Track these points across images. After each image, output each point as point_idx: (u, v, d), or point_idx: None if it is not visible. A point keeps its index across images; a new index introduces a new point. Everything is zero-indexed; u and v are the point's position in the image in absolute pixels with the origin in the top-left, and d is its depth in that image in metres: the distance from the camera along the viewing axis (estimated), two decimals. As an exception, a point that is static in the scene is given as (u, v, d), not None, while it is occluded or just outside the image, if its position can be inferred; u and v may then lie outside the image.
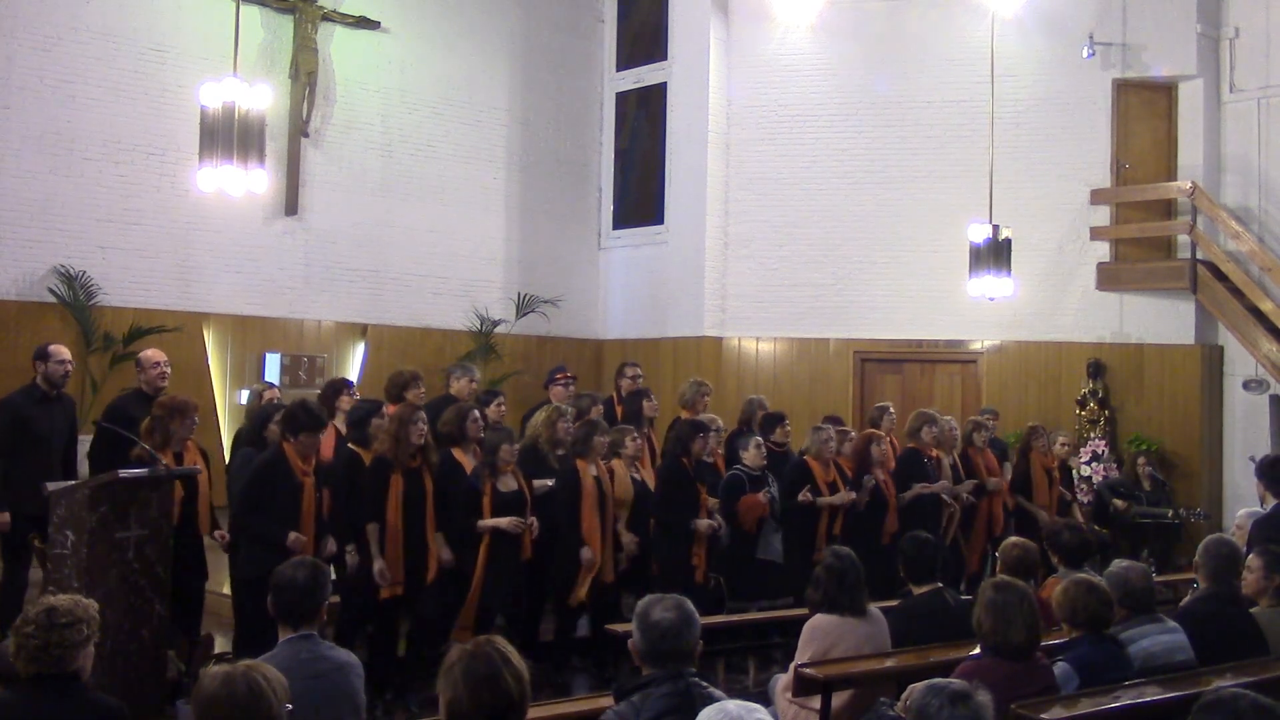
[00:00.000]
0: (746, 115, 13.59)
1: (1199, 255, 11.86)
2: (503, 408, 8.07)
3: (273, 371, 11.98)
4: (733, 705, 2.91)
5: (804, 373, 13.29)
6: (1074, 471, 10.94)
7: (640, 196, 14.65)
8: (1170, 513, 10.82)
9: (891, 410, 9.48)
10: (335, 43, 12.65)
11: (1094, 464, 11.59)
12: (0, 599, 6.59)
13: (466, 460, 6.91)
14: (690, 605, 3.53)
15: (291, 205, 12.29)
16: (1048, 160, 12.52)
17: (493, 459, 6.80)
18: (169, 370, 7.03)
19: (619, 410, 8.86)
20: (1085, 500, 10.92)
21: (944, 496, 8.60)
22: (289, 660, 3.73)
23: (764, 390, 11.40)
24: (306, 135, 12.33)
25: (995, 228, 10.79)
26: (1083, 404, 12.20)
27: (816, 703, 4.87)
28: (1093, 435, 11.93)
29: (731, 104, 13.65)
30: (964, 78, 12.59)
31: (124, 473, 5.66)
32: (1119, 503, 10.75)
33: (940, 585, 5.54)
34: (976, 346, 12.88)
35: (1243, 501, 10.32)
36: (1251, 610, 5.20)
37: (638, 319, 14.30)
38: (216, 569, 7.00)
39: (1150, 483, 11.10)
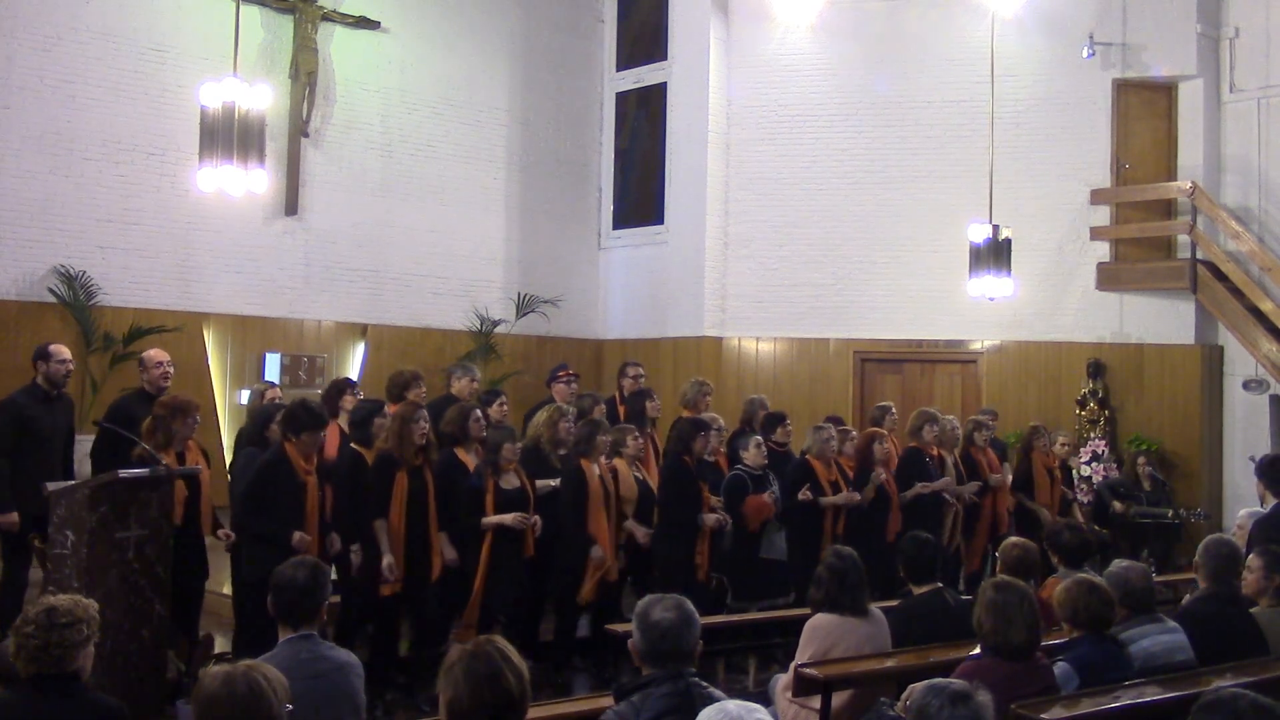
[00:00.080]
0: (746, 115, 13.59)
1: (1199, 255, 11.86)
2: (505, 407, 8.07)
3: (273, 371, 11.98)
4: (733, 705, 2.91)
5: (804, 373, 13.29)
6: (1074, 471, 10.95)
7: (640, 196, 14.65)
8: (1170, 513, 10.82)
9: (893, 410, 9.48)
10: (335, 43, 12.65)
11: (1094, 464, 11.59)
12: (0, 599, 6.60)
13: (469, 460, 6.92)
14: (690, 605, 3.53)
15: (291, 205, 12.29)
16: (1048, 160, 12.52)
17: (495, 458, 6.81)
18: (172, 370, 7.03)
19: (621, 410, 8.85)
20: (1085, 500, 10.93)
21: (946, 495, 8.61)
22: (289, 660, 3.73)
23: (764, 390, 11.39)
24: (306, 135, 12.33)
25: (995, 228, 10.79)
26: (1083, 404, 12.20)
27: (816, 703, 4.86)
28: (1093, 435, 11.93)
29: (731, 104, 13.65)
30: (964, 78, 12.59)
31: (124, 473, 5.66)
32: (1119, 503, 10.76)
33: (940, 585, 5.55)
34: (976, 346, 12.89)
35: (1243, 501, 10.33)
36: (1251, 610, 5.20)
37: (638, 319, 14.30)
38: (217, 569, 7.00)
39: (1150, 483, 11.10)
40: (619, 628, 6.23)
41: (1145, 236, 12.49)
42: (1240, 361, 11.94)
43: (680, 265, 13.76)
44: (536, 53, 14.39)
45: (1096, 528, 10.03)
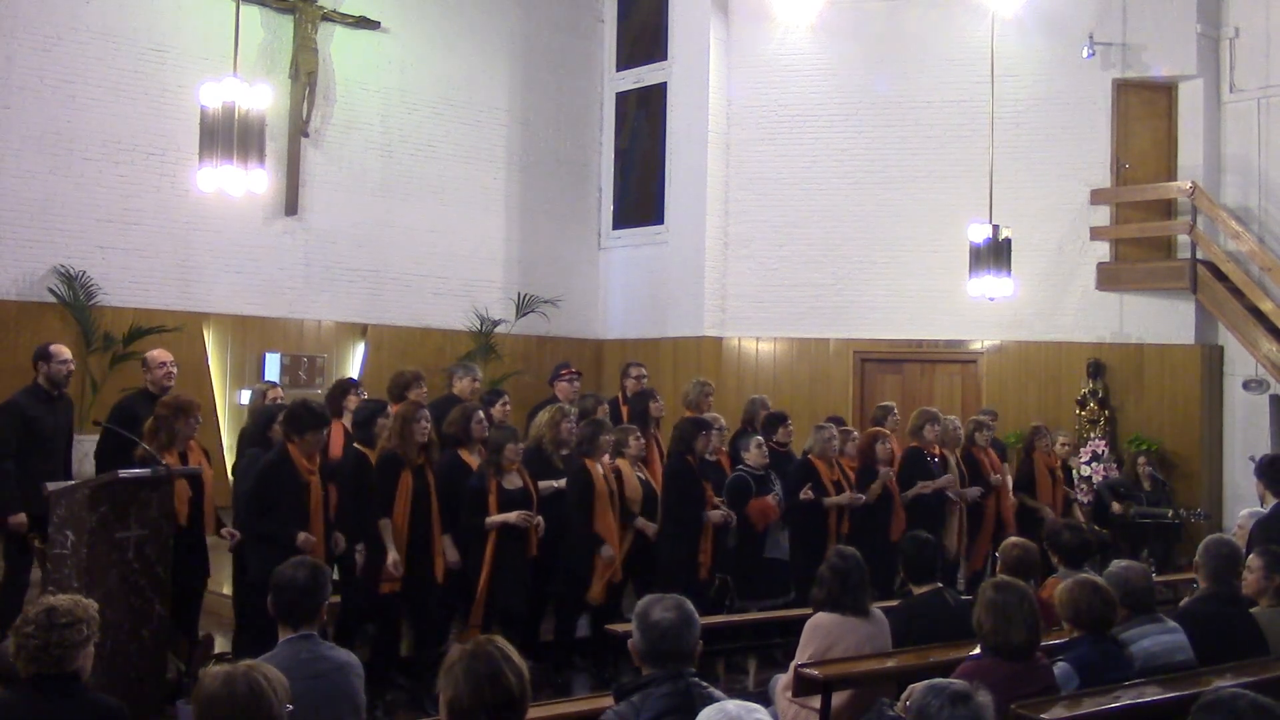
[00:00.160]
0: (746, 115, 13.59)
1: (1199, 255, 11.86)
2: (507, 407, 8.08)
3: (273, 371, 11.98)
4: (732, 705, 2.91)
5: (804, 373, 13.29)
6: (1074, 471, 10.96)
7: (640, 196, 14.65)
8: (1170, 513, 10.82)
9: (895, 410, 9.48)
10: (335, 43, 12.65)
11: (1094, 464, 11.59)
12: (1, 599, 6.60)
13: (473, 460, 6.93)
14: (690, 605, 3.53)
15: (291, 205, 12.29)
16: (1048, 160, 12.52)
17: (497, 458, 6.81)
18: (175, 370, 7.05)
19: (624, 410, 8.86)
20: (1085, 500, 10.93)
21: (950, 494, 8.62)
22: (289, 660, 3.73)
23: (764, 390, 11.39)
24: (306, 135, 12.33)
25: (995, 228, 10.79)
26: (1083, 404, 12.20)
27: (816, 702, 4.87)
28: (1093, 435, 11.93)
29: (731, 104, 13.65)
30: (964, 78, 12.59)
31: (124, 473, 5.66)
32: (1119, 503, 10.76)
33: (940, 585, 5.55)
34: (976, 346, 12.89)
35: (1243, 501, 10.33)
36: (1251, 610, 5.20)
37: (638, 319, 14.30)
38: (218, 569, 7.00)
39: (1150, 483, 11.10)
40: (619, 628, 6.23)
41: (1145, 236, 12.49)
42: (1240, 361, 11.94)
43: (680, 265, 13.76)
44: (536, 53, 14.39)
45: (1096, 528, 10.04)
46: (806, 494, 7.97)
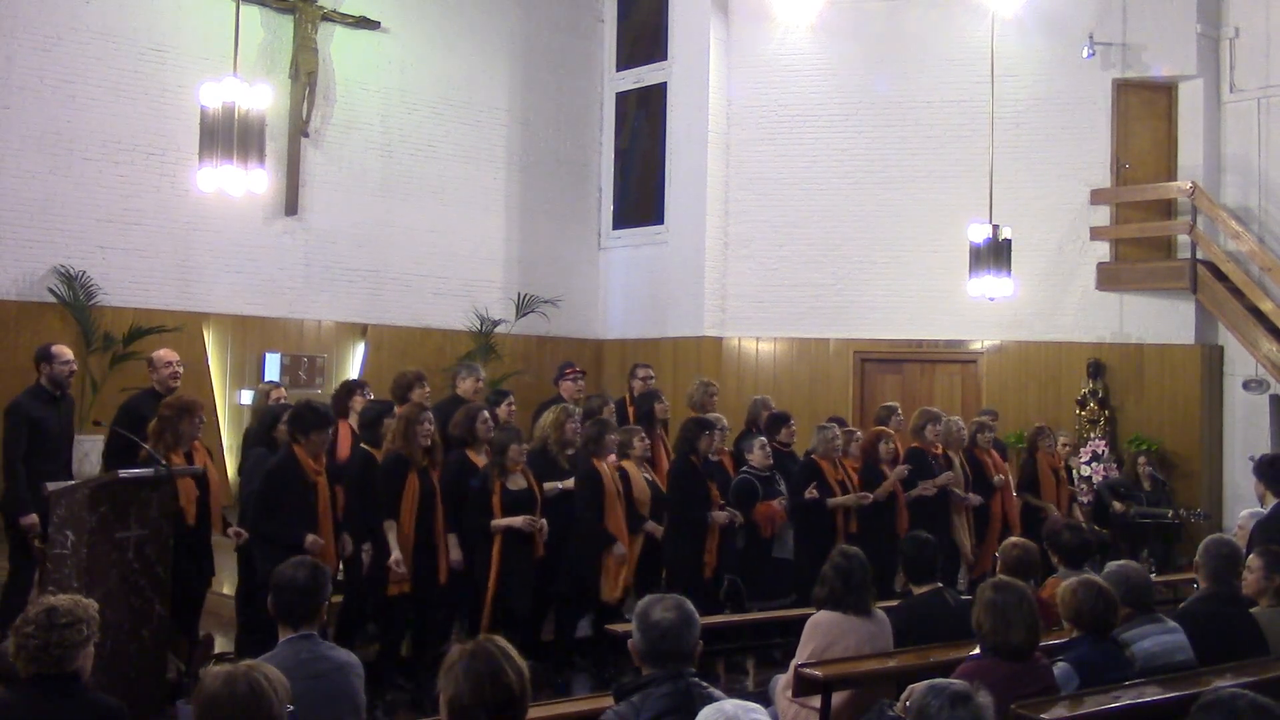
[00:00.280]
0: (746, 115, 13.59)
1: (1199, 255, 11.86)
2: (512, 408, 8.10)
3: (273, 371, 11.98)
4: (730, 705, 2.92)
5: (804, 373, 13.29)
6: (1074, 471, 10.96)
7: (640, 196, 14.65)
8: (1170, 513, 10.82)
9: (899, 410, 9.49)
10: (335, 43, 12.65)
11: (1094, 464, 11.59)
12: (5, 599, 6.60)
13: (480, 461, 6.94)
14: (690, 605, 3.53)
15: (291, 205, 12.29)
16: (1048, 160, 12.52)
17: (501, 459, 6.80)
18: (181, 370, 7.06)
19: (630, 411, 8.89)
20: (1085, 500, 10.93)
21: (954, 491, 8.63)
22: (289, 660, 3.73)
23: (764, 390, 11.38)
24: (306, 135, 12.33)
25: (995, 228, 10.78)
26: (1083, 404, 12.20)
27: (816, 702, 4.87)
28: (1093, 435, 11.93)
29: (731, 104, 13.65)
30: (964, 78, 12.59)
31: (124, 473, 5.67)
32: (1119, 503, 10.76)
33: (940, 585, 5.55)
34: (976, 346, 12.88)
35: (1243, 501, 10.33)
36: (1251, 610, 5.20)
37: (638, 319, 14.30)
38: (220, 569, 6.99)
39: (1150, 483, 11.11)
40: (619, 628, 6.23)
41: (1145, 236, 12.49)
42: (1240, 361, 11.94)
43: (680, 265, 13.76)
44: (536, 53, 14.39)
45: (1096, 528, 10.04)
46: (811, 492, 7.99)
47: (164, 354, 7.08)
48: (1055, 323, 12.53)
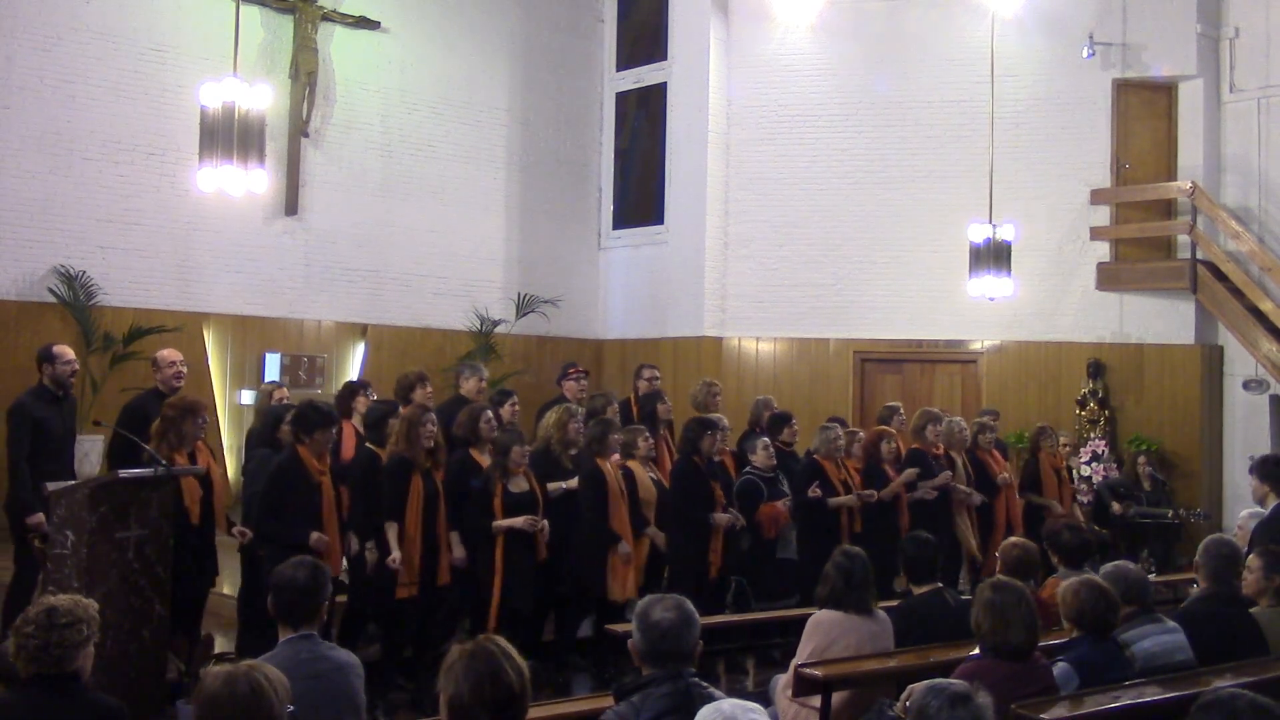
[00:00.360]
0: (746, 115, 13.59)
1: (1199, 255, 11.86)
2: (516, 408, 8.12)
3: (273, 371, 11.97)
4: (728, 705, 2.92)
5: (804, 373, 13.29)
6: (1074, 471, 10.96)
7: (640, 196, 14.65)
8: (1170, 513, 10.83)
9: (901, 410, 9.49)
10: (335, 43, 12.65)
11: (1094, 464, 11.59)
12: (10, 598, 6.61)
13: (484, 460, 6.94)
14: (690, 605, 3.53)
15: (291, 205, 12.29)
16: (1048, 160, 12.52)
17: (503, 461, 6.80)
18: (185, 370, 7.08)
19: (635, 411, 8.91)
20: (1085, 500, 10.93)
21: (958, 488, 8.63)
22: (289, 660, 3.72)
23: (764, 390, 11.39)
24: (306, 135, 12.33)
25: (995, 228, 10.79)
26: (1083, 404, 12.20)
27: (816, 702, 4.87)
28: (1093, 435, 11.93)
29: (731, 104, 13.65)
30: (964, 78, 12.59)
31: (124, 473, 5.67)
32: (1119, 503, 10.76)
33: (940, 585, 5.55)
34: (976, 346, 12.88)
35: (1243, 501, 10.32)
36: (1251, 610, 5.21)
37: (638, 319, 14.30)
38: (222, 569, 6.99)
39: (1150, 483, 11.11)
40: (619, 628, 6.23)
41: (1145, 236, 12.49)
42: (1240, 361, 11.94)
43: (680, 265, 13.76)
44: (536, 53, 14.39)
45: (1096, 528, 10.05)
46: (815, 491, 7.99)
47: (167, 354, 7.10)
48: (1055, 323, 12.53)
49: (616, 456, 7.35)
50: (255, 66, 11.48)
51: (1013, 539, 5.97)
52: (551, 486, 7.09)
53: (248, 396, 11.65)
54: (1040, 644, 4.30)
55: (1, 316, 10.55)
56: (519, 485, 6.85)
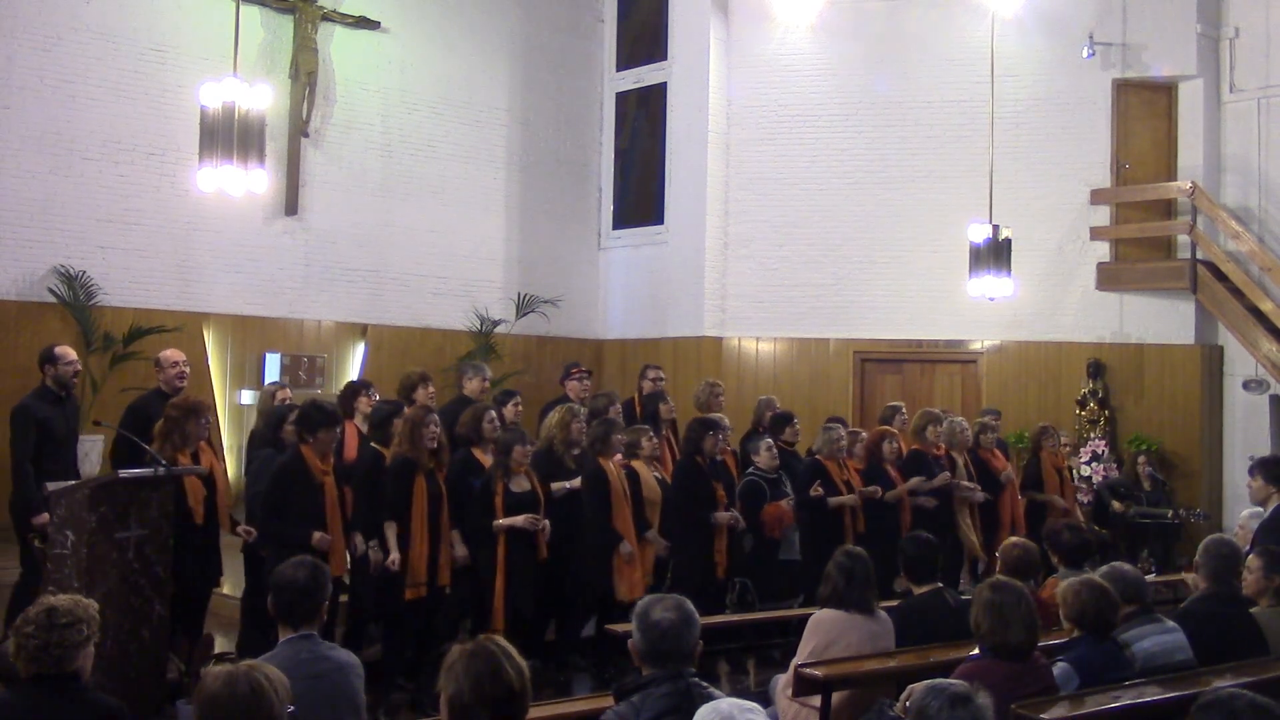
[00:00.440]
0: (746, 115, 13.59)
1: (1199, 255, 11.86)
2: (519, 408, 8.13)
3: (273, 371, 11.97)
4: (726, 704, 2.92)
5: (804, 373, 13.29)
6: (1074, 471, 10.96)
7: (640, 196, 14.65)
8: (1170, 513, 10.83)
9: (904, 410, 9.50)
10: (335, 43, 12.65)
11: (1094, 464, 11.59)
12: (16, 600, 6.61)
13: (486, 460, 6.95)
14: (690, 605, 3.53)
15: (291, 205, 12.28)
16: (1048, 160, 12.52)
17: (505, 460, 6.80)
18: (188, 370, 7.08)
19: (638, 411, 8.92)
20: (1085, 500, 10.93)
21: (957, 485, 8.64)
22: (289, 660, 3.72)
23: (764, 390, 11.39)
24: (306, 135, 12.33)
25: (995, 228, 10.79)
26: (1083, 404, 12.20)
27: (817, 702, 4.87)
28: (1093, 435, 11.92)
29: (731, 104, 13.65)
30: (964, 78, 12.59)
31: (124, 473, 5.67)
32: (1119, 503, 10.76)
33: (940, 585, 5.55)
34: (976, 346, 12.88)
35: (1243, 502, 10.30)
36: (1251, 610, 5.21)
37: (638, 319, 14.30)
38: (229, 570, 6.99)
39: (1150, 483, 11.11)
40: (619, 628, 6.23)
41: (1145, 236, 12.49)
42: (1240, 361, 11.94)
43: (680, 265, 13.76)
44: (536, 53, 14.39)
45: (1096, 528, 10.05)
46: (816, 490, 8.00)
47: (170, 354, 7.10)
48: (1055, 323, 12.53)
49: (619, 456, 7.34)
50: (255, 66, 11.48)
51: (1013, 539, 5.97)
52: (555, 487, 7.09)
53: (248, 396, 11.65)
54: (1040, 644, 4.30)
55: (1, 316, 10.54)
56: (521, 484, 6.85)
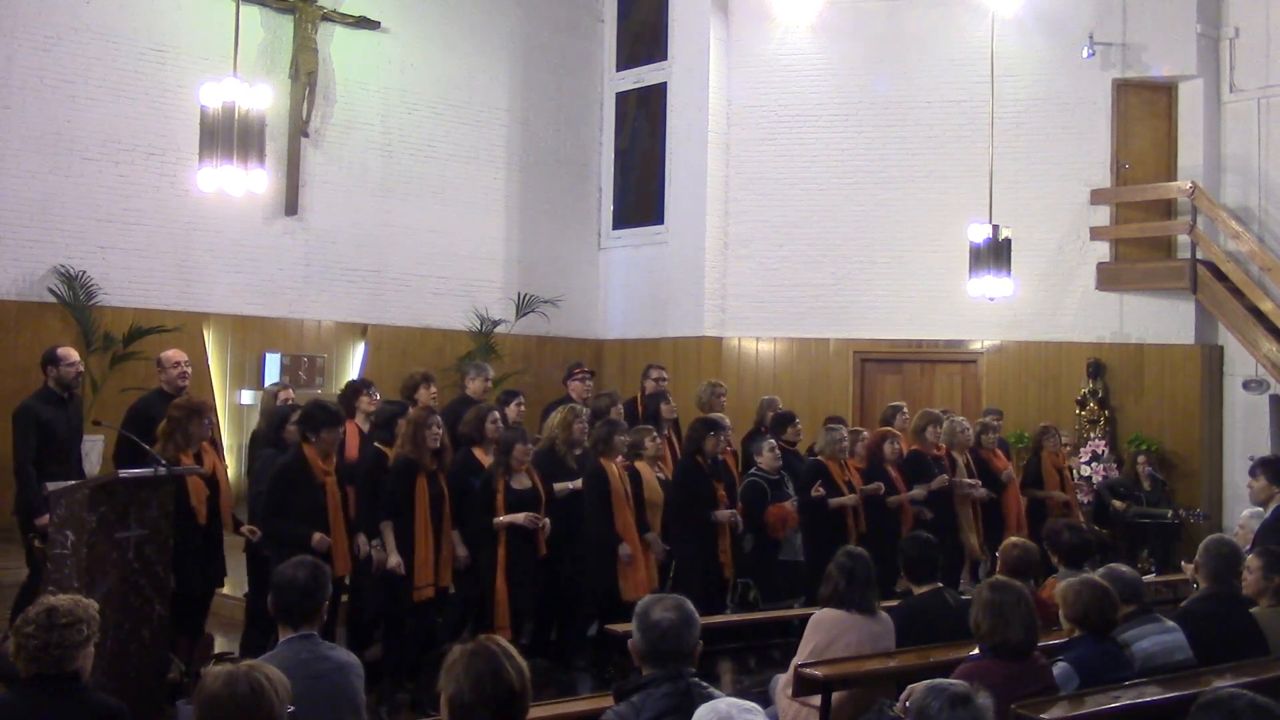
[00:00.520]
0: (746, 115, 13.59)
1: (1199, 255, 11.86)
2: (522, 408, 8.13)
3: (273, 371, 11.97)
4: (724, 704, 2.92)
5: (804, 373, 13.29)
6: (1074, 471, 10.96)
7: (640, 196, 14.65)
8: (1170, 513, 10.83)
9: (905, 410, 9.50)
10: (335, 43, 12.65)
11: (1094, 464, 11.59)
12: (20, 600, 6.61)
13: (487, 459, 6.96)
14: (690, 605, 3.53)
15: (291, 205, 12.29)
16: (1048, 160, 12.51)
17: (506, 459, 6.80)
18: (190, 370, 7.09)
19: (640, 411, 8.92)
20: (1085, 500, 10.93)
21: (959, 482, 8.64)
22: (289, 660, 3.72)
23: (764, 390, 11.40)
24: (306, 135, 12.33)
25: (995, 228, 10.79)
26: (1083, 404, 12.20)
27: (817, 701, 4.87)
28: (1093, 435, 11.92)
29: (731, 104, 13.65)
30: (964, 78, 12.59)
31: (124, 473, 5.67)
32: (1118, 503, 10.76)
33: (940, 585, 5.55)
34: (976, 346, 12.88)
35: (1243, 502, 10.30)
36: (1251, 610, 5.21)
37: (638, 319, 14.30)
38: (231, 570, 6.98)
39: (1150, 483, 11.11)
40: (619, 628, 6.23)
41: (1145, 236, 12.49)
42: (1240, 361, 11.93)
43: (680, 265, 13.76)
44: (536, 53, 14.39)
45: (1096, 528, 10.06)
46: (818, 490, 8.00)
47: (172, 354, 7.10)
48: (1055, 323, 12.53)
49: (621, 457, 7.34)
50: (255, 66, 11.48)
51: (1013, 539, 5.97)
52: (558, 487, 7.09)
53: (248, 396, 11.65)
54: (1040, 644, 4.30)
55: (1, 316, 10.55)
56: (521, 483, 6.85)
